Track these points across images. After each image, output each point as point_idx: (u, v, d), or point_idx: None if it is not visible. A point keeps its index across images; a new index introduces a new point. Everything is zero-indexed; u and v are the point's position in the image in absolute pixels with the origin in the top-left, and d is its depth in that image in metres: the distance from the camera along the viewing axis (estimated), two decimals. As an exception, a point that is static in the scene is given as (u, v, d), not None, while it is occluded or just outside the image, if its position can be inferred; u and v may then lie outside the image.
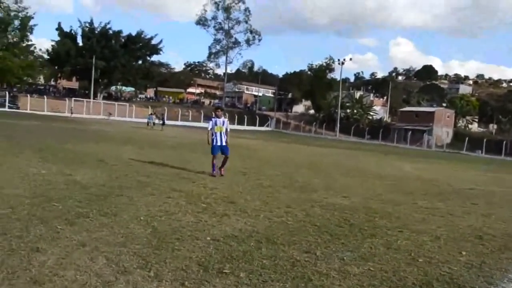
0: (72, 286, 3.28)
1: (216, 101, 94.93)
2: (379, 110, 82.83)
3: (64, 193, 6.58)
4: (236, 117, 59.23)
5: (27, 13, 56.64)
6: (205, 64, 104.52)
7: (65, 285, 3.30)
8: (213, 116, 10.57)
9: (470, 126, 79.53)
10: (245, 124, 65.73)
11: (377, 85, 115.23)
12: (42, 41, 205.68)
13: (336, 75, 75.99)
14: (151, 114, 43.22)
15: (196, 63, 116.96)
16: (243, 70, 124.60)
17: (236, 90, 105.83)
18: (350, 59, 76.63)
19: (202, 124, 58.48)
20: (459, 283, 4.05)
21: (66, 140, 16.94)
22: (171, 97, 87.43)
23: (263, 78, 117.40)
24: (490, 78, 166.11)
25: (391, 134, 62.39)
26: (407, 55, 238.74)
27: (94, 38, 66.78)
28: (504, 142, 50.93)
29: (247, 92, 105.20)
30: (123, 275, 3.55)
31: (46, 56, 66.39)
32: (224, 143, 10.15)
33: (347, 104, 76.92)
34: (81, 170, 9.04)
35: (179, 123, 58.65)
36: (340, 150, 30.88)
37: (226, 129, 10.26)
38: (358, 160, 21.02)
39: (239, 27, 79.07)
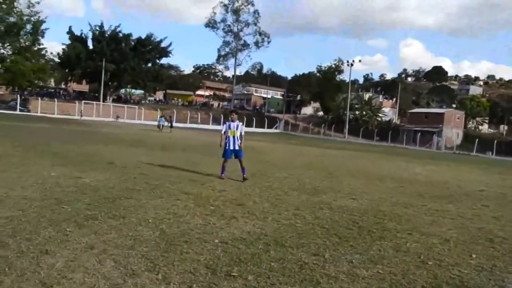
0: (80, 289, 3.30)
1: (225, 103, 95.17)
2: (388, 112, 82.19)
3: (74, 195, 6.63)
4: (245, 119, 59.24)
5: (39, 17, 57.40)
6: (214, 67, 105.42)
7: (73, 287, 3.32)
8: (229, 120, 10.51)
9: (480, 127, 78.57)
10: (254, 126, 65.85)
11: (386, 87, 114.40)
12: (53, 44, 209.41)
13: (345, 76, 76.22)
14: (161, 116, 43.44)
15: (205, 66, 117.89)
16: (252, 72, 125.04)
17: (245, 92, 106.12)
18: (359, 60, 76.94)
19: (211, 127, 58.82)
20: (469, 286, 4.01)
21: (76, 143, 17.10)
22: (180, 100, 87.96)
23: (272, 80, 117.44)
24: (501, 79, 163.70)
25: (400, 135, 62.06)
26: (416, 56, 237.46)
27: (104, 41, 67.60)
28: (515, 143, 50.40)
29: (256, 94, 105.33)
30: (131, 278, 3.57)
31: (57, 59, 67.12)
32: (237, 147, 10.15)
33: (356, 105, 76.45)
34: (91, 173, 9.12)
35: (188, 125, 58.97)
36: (349, 152, 30.72)
37: (241, 133, 10.25)
38: (367, 162, 20.89)
39: (248, 29, 79.87)
